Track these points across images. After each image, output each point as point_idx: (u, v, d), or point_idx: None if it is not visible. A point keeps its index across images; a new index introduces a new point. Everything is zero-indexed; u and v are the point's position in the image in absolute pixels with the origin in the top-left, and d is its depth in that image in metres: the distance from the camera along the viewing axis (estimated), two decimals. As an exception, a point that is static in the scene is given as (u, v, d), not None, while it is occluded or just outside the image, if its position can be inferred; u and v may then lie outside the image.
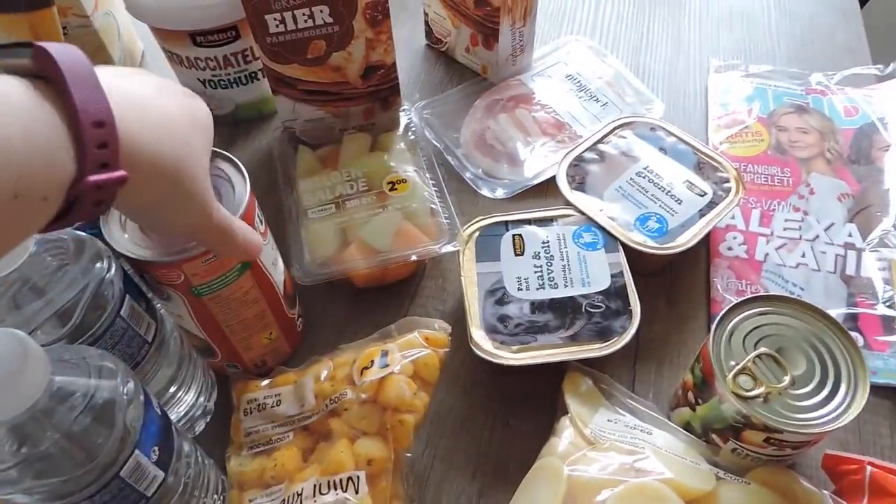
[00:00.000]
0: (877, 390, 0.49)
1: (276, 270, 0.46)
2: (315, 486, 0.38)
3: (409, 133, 0.60)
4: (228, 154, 0.43)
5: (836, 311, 0.53)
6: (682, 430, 0.44)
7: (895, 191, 0.59)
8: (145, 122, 0.28)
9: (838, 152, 0.63)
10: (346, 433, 0.41)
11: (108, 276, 0.36)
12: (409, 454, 0.42)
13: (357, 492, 0.38)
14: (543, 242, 0.52)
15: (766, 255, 0.56)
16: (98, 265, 0.36)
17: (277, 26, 0.53)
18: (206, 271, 0.39)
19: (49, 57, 0.23)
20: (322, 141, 0.59)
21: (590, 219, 0.53)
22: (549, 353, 0.46)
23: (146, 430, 0.33)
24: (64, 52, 0.24)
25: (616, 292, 0.49)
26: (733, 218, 0.59)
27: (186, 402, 0.46)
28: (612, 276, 0.50)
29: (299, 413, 0.44)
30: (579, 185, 0.56)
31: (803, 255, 0.56)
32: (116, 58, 0.69)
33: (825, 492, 0.39)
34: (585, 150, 0.58)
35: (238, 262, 0.41)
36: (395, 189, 0.53)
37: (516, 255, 0.51)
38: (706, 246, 0.57)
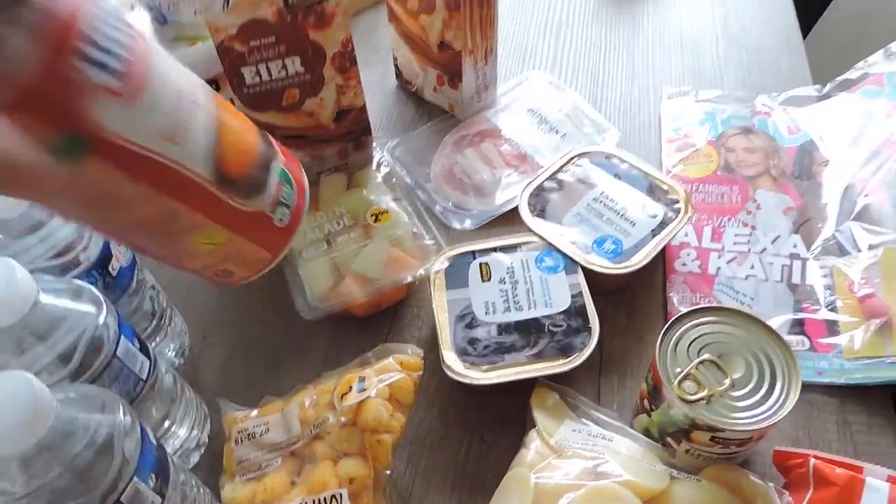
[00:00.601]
0: (823, 389, 0.53)
1: (188, 146, 0.33)
2: (302, 504, 0.42)
3: (382, 167, 0.64)
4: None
5: (784, 318, 0.57)
6: (641, 436, 0.47)
7: (833, 203, 0.63)
8: None
9: (782, 169, 0.67)
10: (330, 455, 0.45)
11: (103, 320, 0.40)
12: (388, 472, 0.45)
13: (340, 508, 0.42)
14: (508, 268, 0.56)
15: (718, 268, 0.60)
16: (94, 310, 0.40)
17: (253, 78, 0.57)
18: None
19: None
20: (300, 183, 0.63)
21: (550, 244, 0.57)
22: (516, 370, 0.50)
23: (143, 459, 0.36)
24: None
25: (576, 311, 0.53)
26: (686, 235, 0.63)
27: (180, 436, 0.49)
28: (573, 296, 0.54)
29: (286, 439, 0.47)
30: (540, 212, 0.60)
31: (752, 267, 0.60)
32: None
33: (770, 484, 0.43)
34: (545, 180, 0.62)
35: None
36: (379, 220, 0.57)
37: (483, 281, 0.55)
38: (662, 263, 0.61)
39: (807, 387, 0.52)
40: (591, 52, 0.84)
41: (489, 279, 0.55)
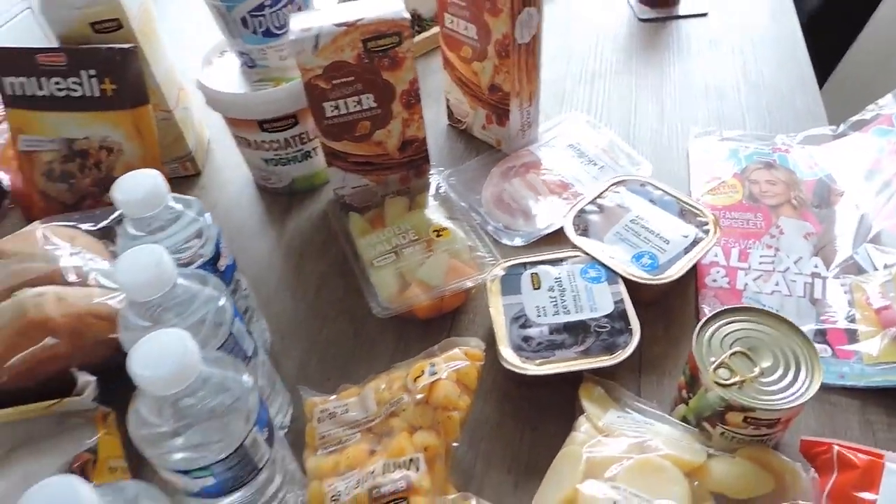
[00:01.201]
0: (846, 392, 0.59)
1: None
2: (384, 465, 0.48)
3: (439, 193, 0.72)
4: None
5: (807, 328, 0.62)
6: (680, 422, 0.53)
7: (849, 229, 0.70)
8: None
9: (802, 199, 0.74)
10: (405, 428, 0.51)
11: (223, 302, 0.47)
12: (456, 444, 0.51)
13: (417, 470, 0.48)
14: (556, 278, 0.63)
15: (746, 284, 0.67)
16: (217, 294, 0.47)
17: (332, 111, 0.66)
18: None
19: None
20: (365, 204, 0.72)
21: (594, 258, 0.64)
22: (566, 364, 0.56)
23: (259, 414, 0.43)
24: None
25: (619, 315, 0.59)
26: (716, 255, 0.69)
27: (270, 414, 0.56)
28: (615, 302, 0.60)
29: (364, 417, 0.54)
30: (583, 231, 0.67)
31: (777, 284, 0.66)
32: (191, 144, 0.83)
33: (797, 463, 0.48)
34: (587, 204, 0.70)
35: None
36: (440, 235, 0.65)
37: (534, 289, 0.62)
38: (694, 279, 0.68)
39: (830, 389, 0.58)
40: (622, 96, 0.92)
41: (539, 287, 0.62)
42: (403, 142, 0.71)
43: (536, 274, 0.63)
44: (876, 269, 0.65)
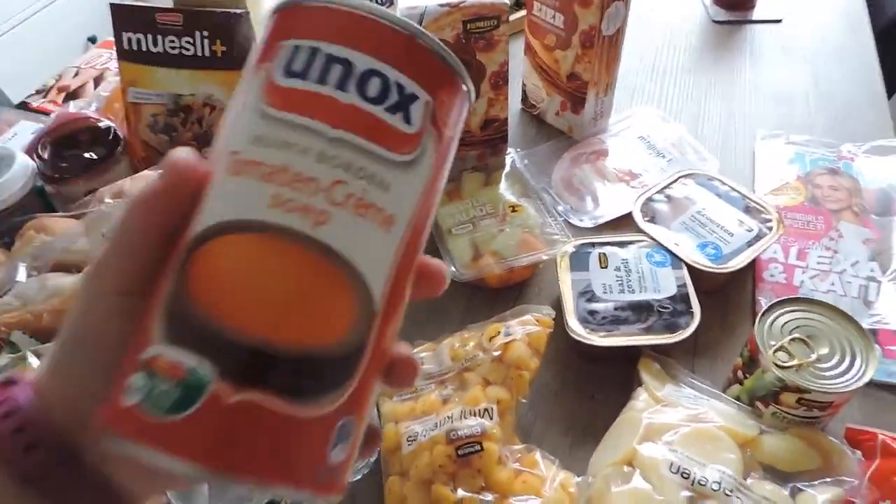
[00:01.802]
0: (892, 388, 0.62)
1: None
2: (461, 412, 0.53)
3: (513, 172, 0.76)
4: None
5: (859, 328, 0.65)
6: (733, 400, 0.57)
7: (910, 237, 0.72)
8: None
9: (864, 207, 0.76)
10: (479, 382, 0.55)
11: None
12: (524, 400, 0.56)
13: (491, 419, 0.52)
14: (623, 259, 0.67)
15: (802, 282, 0.70)
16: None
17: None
18: None
19: None
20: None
21: (659, 244, 0.68)
22: (629, 339, 0.60)
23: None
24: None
25: (681, 298, 0.63)
26: (775, 252, 0.72)
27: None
28: (678, 286, 0.64)
29: (438, 371, 0.58)
30: (650, 219, 0.71)
31: (832, 284, 0.69)
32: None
33: (844, 444, 0.52)
34: (655, 193, 0.73)
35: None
36: (515, 211, 0.69)
37: (601, 267, 0.66)
38: (752, 273, 0.71)
39: (877, 385, 0.61)
40: (692, 94, 0.95)
41: (606, 266, 0.66)
42: (486, 120, 0.75)
43: (604, 254, 0.67)
44: (932, 278, 0.68)
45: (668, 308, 0.62)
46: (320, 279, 0.22)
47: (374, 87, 0.23)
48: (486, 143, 0.77)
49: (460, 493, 0.49)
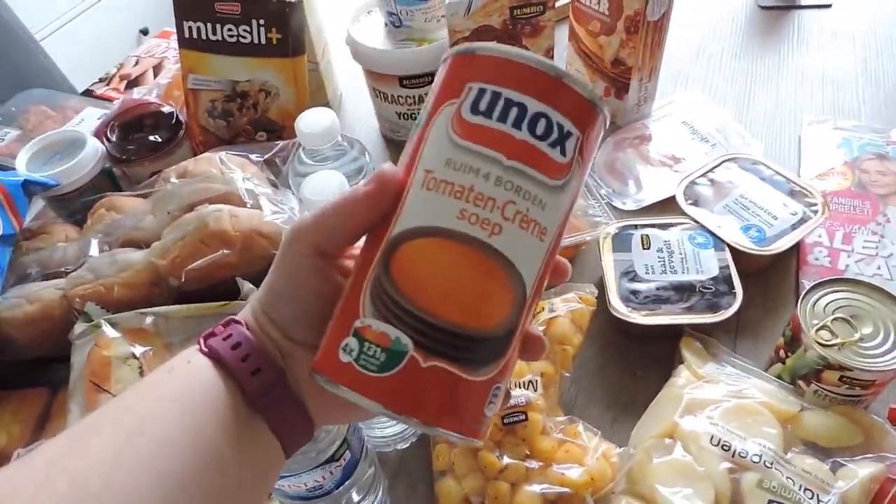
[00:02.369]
0: (937, 373, 0.62)
1: None
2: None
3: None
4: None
5: (905, 311, 0.65)
6: (775, 378, 0.57)
7: (960, 222, 0.71)
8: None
9: (913, 191, 0.76)
10: (524, 355, 0.58)
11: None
12: (567, 374, 0.58)
13: (535, 390, 0.54)
14: (665, 241, 0.68)
15: (847, 265, 0.70)
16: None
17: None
18: None
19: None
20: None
21: (702, 226, 0.69)
22: (671, 318, 0.61)
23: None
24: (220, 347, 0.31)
25: (723, 279, 0.64)
26: (819, 237, 0.72)
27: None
28: (720, 268, 0.65)
29: (484, 344, 0.61)
30: (693, 202, 0.71)
31: (878, 268, 0.69)
32: (329, 94, 0.91)
33: (887, 423, 0.52)
34: (699, 177, 0.74)
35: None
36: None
37: (644, 248, 0.67)
38: (796, 256, 0.71)
39: (922, 368, 0.61)
40: (737, 80, 0.95)
41: (649, 248, 0.67)
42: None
43: (647, 235, 0.68)
44: (982, 263, 0.67)
45: (710, 289, 0.63)
46: (492, 276, 0.29)
47: (541, 126, 0.29)
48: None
49: (506, 459, 0.52)
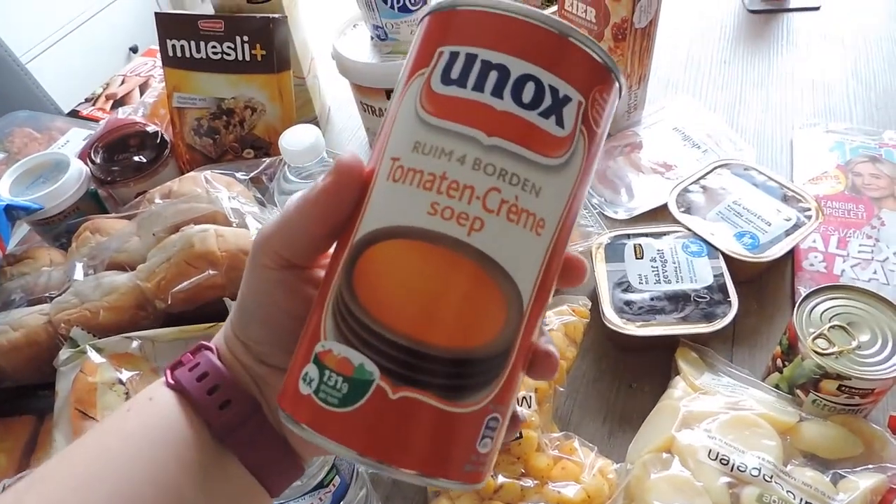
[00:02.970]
0: (937, 378, 0.61)
1: None
2: (500, 399, 0.54)
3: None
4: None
5: (903, 316, 0.64)
6: (772, 388, 0.56)
7: (955, 223, 0.71)
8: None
9: (907, 193, 0.75)
10: (517, 370, 0.56)
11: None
12: (561, 389, 0.57)
13: (529, 406, 0.53)
14: (658, 250, 0.67)
15: (843, 271, 0.69)
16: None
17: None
18: None
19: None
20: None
21: (695, 234, 0.68)
22: (665, 328, 0.60)
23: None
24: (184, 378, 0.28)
25: (718, 288, 0.63)
26: (814, 241, 0.72)
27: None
28: (715, 276, 0.64)
29: (477, 361, 0.60)
30: (686, 209, 0.71)
31: (875, 272, 0.68)
32: (317, 109, 0.90)
33: (887, 432, 0.51)
34: (691, 184, 0.73)
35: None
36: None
37: (637, 258, 0.66)
38: (791, 263, 0.70)
39: (922, 373, 0.60)
40: (728, 85, 0.94)
41: (642, 257, 0.66)
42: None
43: (640, 245, 0.67)
44: (979, 265, 0.66)
45: (704, 298, 0.62)
46: (474, 284, 0.24)
47: (528, 92, 0.24)
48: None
49: (501, 479, 0.51)
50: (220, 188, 0.65)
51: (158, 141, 0.80)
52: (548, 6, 0.97)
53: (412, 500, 0.57)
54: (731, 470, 0.49)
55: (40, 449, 0.63)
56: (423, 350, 0.23)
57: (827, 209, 0.75)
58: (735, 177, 0.73)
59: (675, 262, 0.65)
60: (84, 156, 0.79)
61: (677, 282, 0.64)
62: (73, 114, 1.03)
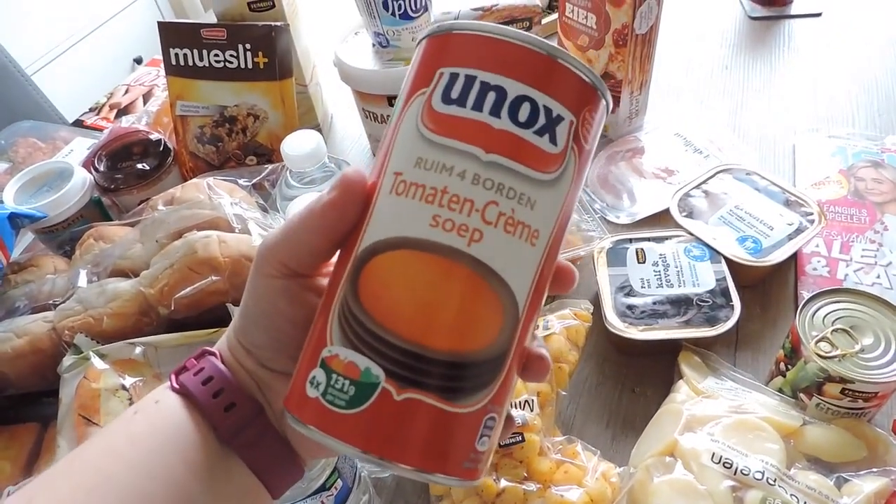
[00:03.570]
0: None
1: None
2: (502, 403, 0.54)
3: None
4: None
5: (907, 319, 0.64)
6: (775, 392, 0.56)
7: (958, 227, 0.71)
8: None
9: (909, 197, 0.75)
10: (519, 375, 0.56)
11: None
12: (564, 393, 0.57)
13: (531, 410, 0.53)
14: (660, 254, 0.67)
15: (846, 275, 0.69)
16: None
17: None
18: None
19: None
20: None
21: (698, 238, 0.68)
22: (668, 332, 0.60)
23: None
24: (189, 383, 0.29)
25: (721, 292, 0.63)
26: (817, 246, 0.71)
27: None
28: (717, 280, 0.64)
29: (479, 365, 0.60)
30: (688, 214, 0.71)
31: (878, 277, 0.68)
32: (319, 116, 0.91)
33: (891, 435, 0.51)
34: (692, 189, 0.73)
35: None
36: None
37: (639, 262, 0.66)
38: (794, 266, 0.70)
39: (926, 377, 0.60)
40: (730, 91, 0.94)
41: (644, 261, 0.66)
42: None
43: (642, 249, 0.67)
44: (983, 268, 0.66)
45: (707, 302, 0.62)
46: (474, 292, 0.25)
47: (524, 112, 0.25)
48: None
49: (503, 482, 0.50)
50: (223, 194, 0.65)
51: (161, 149, 0.80)
52: (549, 13, 0.98)
53: (415, 506, 0.57)
54: (735, 473, 0.48)
55: (44, 456, 0.63)
56: (426, 354, 0.24)
57: (830, 214, 0.75)
58: (737, 181, 0.73)
59: (677, 267, 0.65)
60: (88, 164, 0.80)
61: (680, 286, 0.64)
62: (78, 123, 1.04)
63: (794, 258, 0.70)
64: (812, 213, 0.69)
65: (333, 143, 0.95)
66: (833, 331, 0.53)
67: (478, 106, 0.25)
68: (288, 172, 0.58)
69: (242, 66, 0.78)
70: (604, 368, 0.64)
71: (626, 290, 0.64)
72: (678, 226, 0.69)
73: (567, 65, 0.26)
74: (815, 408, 0.54)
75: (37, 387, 0.65)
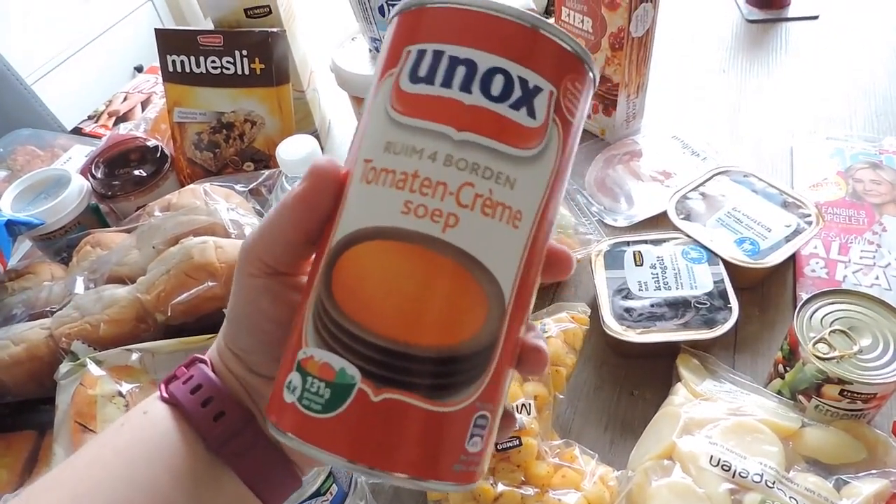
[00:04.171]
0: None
1: None
2: (499, 407, 0.53)
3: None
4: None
5: (906, 320, 0.64)
6: (774, 394, 0.56)
7: (956, 227, 0.70)
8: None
9: (908, 198, 0.75)
10: (517, 378, 0.56)
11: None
12: (561, 396, 0.56)
13: (529, 414, 0.53)
14: (658, 257, 0.67)
15: (845, 276, 0.69)
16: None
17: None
18: None
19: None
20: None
21: (695, 241, 0.67)
22: (666, 335, 0.60)
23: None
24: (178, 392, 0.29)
25: (718, 294, 0.63)
26: (815, 248, 0.71)
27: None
28: (715, 282, 0.64)
29: (476, 369, 0.59)
30: (685, 216, 0.71)
31: (877, 278, 0.68)
32: (317, 122, 0.91)
33: (891, 437, 0.51)
34: (690, 191, 0.73)
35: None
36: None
37: (636, 265, 0.66)
38: (793, 269, 0.70)
39: (926, 378, 0.59)
40: (727, 93, 0.94)
41: (642, 264, 0.66)
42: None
43: (639, 252, 0.67)
44: (982, 268, 0.66)
45: (705, 304, 0.62)
46: (453, 281, 0.23)
47: (497, 85, 0.24)
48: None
49: (500, 487, 0.50)
50: (219, 200, 0.65)
51: (159, 155, 0.80)
52: (546, 18, 0.98)
53: (412, 511, 0.56)
54: (733, 476, 0.48)
55: (41, 464, 0.63)
56: (403, 350, 0.23)
57: (828, 215, 0.74)
58: (734, 183, 0.73)
59: (675, 269, 0.65)
60: (85, 171, 0.80)
61: (677, 288, 0.63)
62: (76, 131, 1.04)
63: (793, 260, 0.70)
64: (810, 215, 0.69)
65: (331, 148, 0.96)
66: (831, 332, 0.53)
67: (447, 82, 0.24)
68: (284, 177, 0.58)
69: (239, 72, 0.78)
70: (601, 371, 0.64)
71: (623, 292, 0.64)
72: (676, 228, 0.69)
73: (543, 32, 0.24)
74: (814, 410, 0.53)
75: (34, 394, 0.65)
